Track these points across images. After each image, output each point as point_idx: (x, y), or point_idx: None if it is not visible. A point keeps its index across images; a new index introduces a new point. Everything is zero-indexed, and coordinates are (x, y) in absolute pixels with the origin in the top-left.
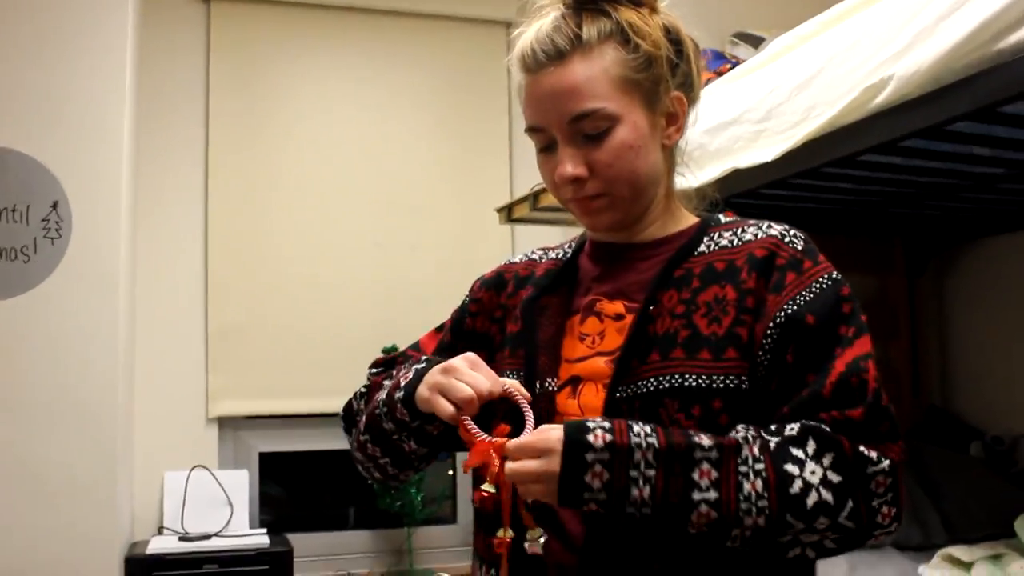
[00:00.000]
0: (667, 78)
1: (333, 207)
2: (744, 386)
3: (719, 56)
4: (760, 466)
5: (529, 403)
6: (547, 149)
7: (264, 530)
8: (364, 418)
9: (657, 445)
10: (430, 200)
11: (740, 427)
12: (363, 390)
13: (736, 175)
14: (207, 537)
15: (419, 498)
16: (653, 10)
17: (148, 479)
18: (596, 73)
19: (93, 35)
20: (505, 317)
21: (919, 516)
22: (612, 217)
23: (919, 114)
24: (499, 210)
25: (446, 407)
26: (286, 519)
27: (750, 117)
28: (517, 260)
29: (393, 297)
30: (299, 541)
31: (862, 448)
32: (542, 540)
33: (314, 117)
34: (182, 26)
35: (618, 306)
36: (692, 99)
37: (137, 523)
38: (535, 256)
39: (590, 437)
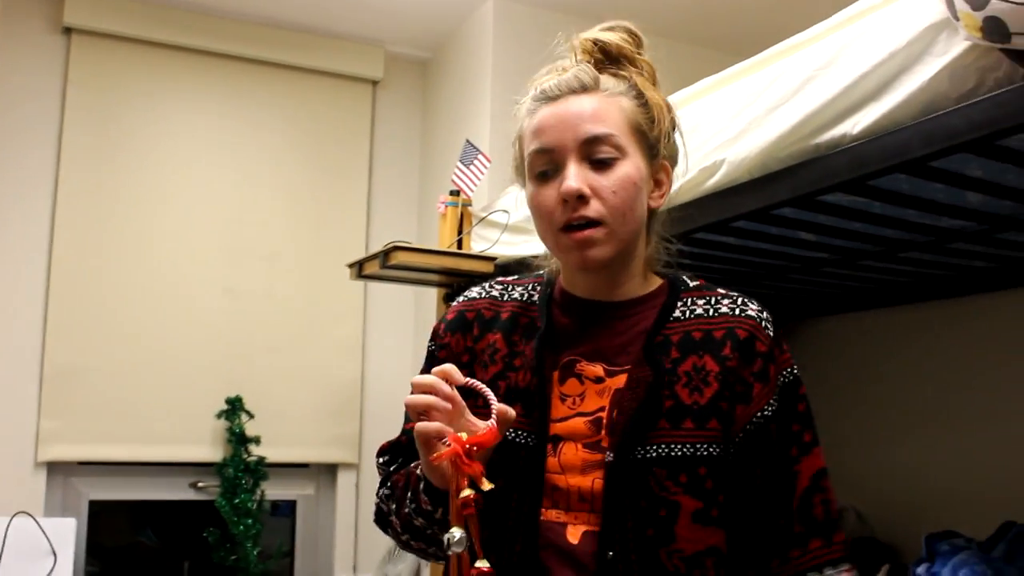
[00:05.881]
0: (665, 139)
1: (183, 250)
2: (723, 454)
3: None
4: None
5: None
6: (546, 176)
7: None
8: (398, 520)
9: None
10: (285, 250)
11: None
12: (387, 492)
13: None
14: None
15: (255, 553)
16: (654, 83)
17: None
18: (614, 109)
19: None
20: (473, 361)
21: None
22: (604, 251)
23: (747, 198)
24: (350, 265)
25: (428, 427)
26: (115, 571)
27: None
28: (476, 295)
29: (241, 345)
30: None
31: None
32: (458, 536)
33: (169, 159)
34: (39, 56)
35: (598, 369)
36: (673, 178)
37: None
38: (495, 293)
39: None
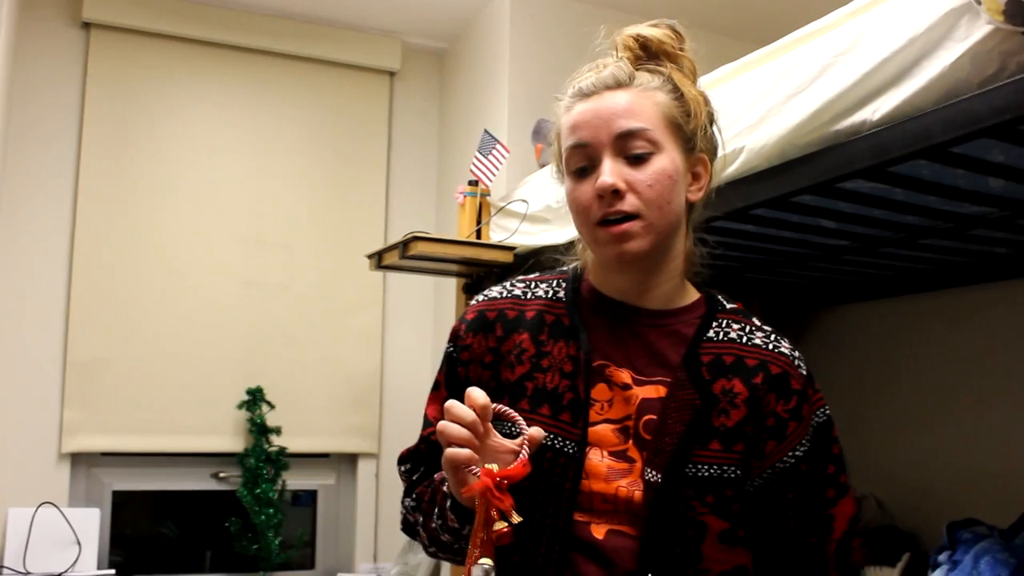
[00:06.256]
0: (702, 132)
1: (204, 243)
2: (744, 476)
3: None
4: None
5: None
6: (583, 172)
7: (112, 571)
8: (426, 533)
9: None
10: (304, 241)
11: None
12: (412, 503)
13: None
14: None
15: (276, 542)
16: (693, 80)
17: None
18: (648, 104)
19: None
20: (498, 362)
21: None
22: (641, 244)
23: (767, 185)
24: (370, 256)
25: (458, 455)
26: (139, 560)
27: None
28: (496, 295)
29: (261, 336)
30: None
31: None
32: (487, 567)
33: (189, 151)
34: (59, 51)
35: (625, 376)
36: (713, 171)
37: None
38: (517, 292)
39: None
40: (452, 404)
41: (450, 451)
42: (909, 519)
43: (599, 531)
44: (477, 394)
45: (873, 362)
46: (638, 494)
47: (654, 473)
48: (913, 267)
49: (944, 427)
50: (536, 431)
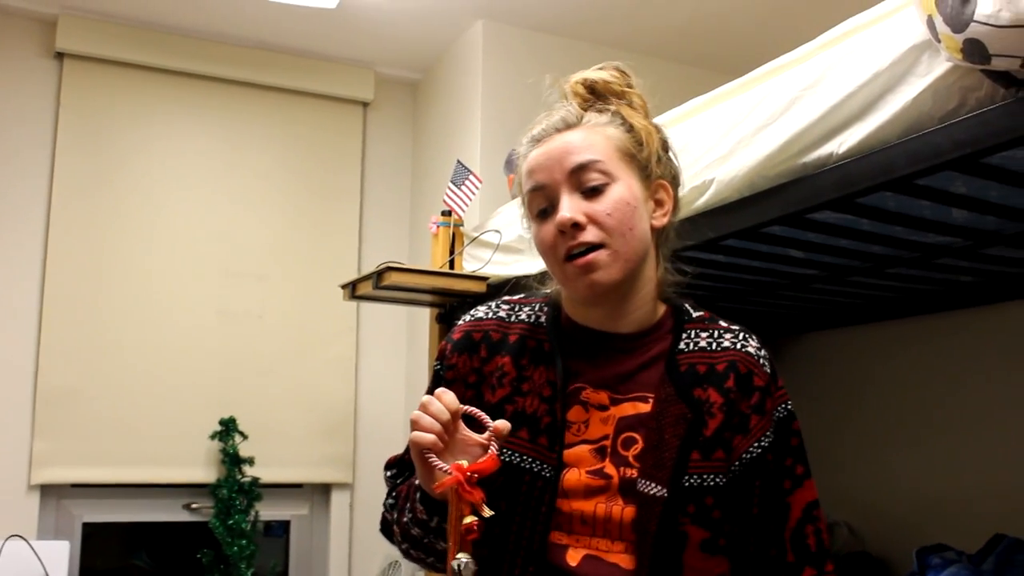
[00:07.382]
0: (657, 159)
1: (176, 272)
2: (727, 483)
3: None
4: None
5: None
6: (544, 214)
7: None
8: (398, 529)
9: None
10: (277, 271)
11: None
12: (391, 501)
13: None
14: None
15: (249, 573)
16: (644, 114)
17: None
18: (598, 138)
19: None
20: (480, 383)
21: None
22: (610, 274)
23: (737, 216)
24: (343, 286)
25: (422, 437)
26: None
27: None
28: (483, 315)
29: (235, 367)
30: None
31: None
32: (465, 562)
33: (162, 182)
34: (32, 81)
35: (603, 397)
36: (676, 198)
37: None
38: (502, 313)
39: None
40: (429, 400)
41: (415, 434)
42: (880, 545)
43: (574, 557)
44: (448, 396)
45: (842, 389)
46: (616, 509)
47: (658, 487)
48: (881, 295)
49: (913, 453)
50: (501, 423)
